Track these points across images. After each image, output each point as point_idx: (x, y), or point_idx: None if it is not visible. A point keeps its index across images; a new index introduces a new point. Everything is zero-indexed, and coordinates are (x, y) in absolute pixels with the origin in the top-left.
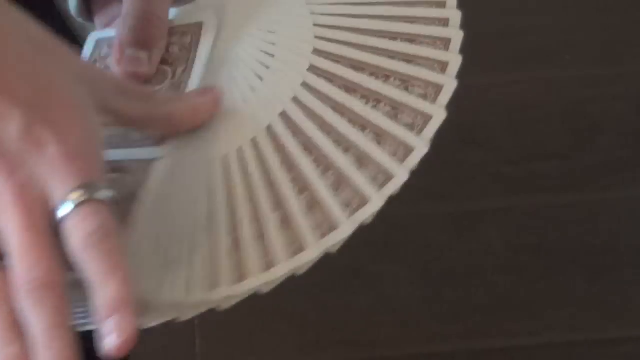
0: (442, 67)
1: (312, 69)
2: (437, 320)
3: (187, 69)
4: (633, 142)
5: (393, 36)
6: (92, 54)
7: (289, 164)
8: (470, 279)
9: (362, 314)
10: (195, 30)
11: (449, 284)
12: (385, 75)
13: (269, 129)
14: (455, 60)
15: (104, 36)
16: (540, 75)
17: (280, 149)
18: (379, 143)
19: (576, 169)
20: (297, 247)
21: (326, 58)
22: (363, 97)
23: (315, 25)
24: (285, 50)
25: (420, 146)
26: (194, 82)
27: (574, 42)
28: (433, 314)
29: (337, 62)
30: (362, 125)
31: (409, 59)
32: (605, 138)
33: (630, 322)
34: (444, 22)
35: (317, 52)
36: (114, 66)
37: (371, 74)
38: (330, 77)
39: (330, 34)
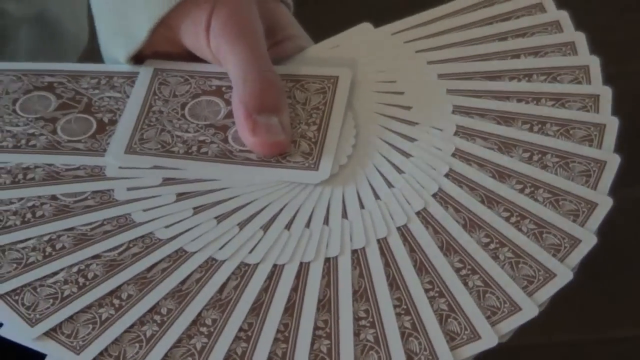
0: (600, 166)
1: (458, 151)
2: None
3: (322, 129)
4: (633, 142)
5: (537, 97)
6: (152, 82)
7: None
8: None
9: None
10: (329, 86)
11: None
12: (540, 152)
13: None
14: (612, 162)
15: (164, 67)
16: None
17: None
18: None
19: None
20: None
21: (470, 139)
22: (506, 210)
23: (449, 92)
24: (424, 149)
25: (588, 239)
26: (331, 144)
27: None
28: None
29: (485, 139)
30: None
31: (561, 123)
32: None
33: (630, 322)
34: (585, 70)
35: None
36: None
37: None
38: (479, 162)
39: (468, 102)
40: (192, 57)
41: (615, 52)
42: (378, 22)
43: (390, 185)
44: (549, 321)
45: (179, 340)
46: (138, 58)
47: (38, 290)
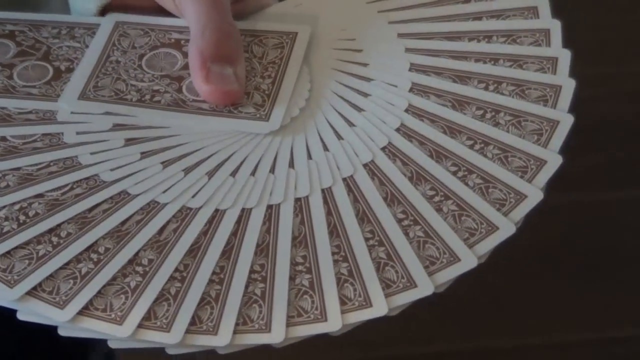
0: (552, 126)
1: (411, 107)
2: (437, 320)
3: (276, 83)
4: (633, 142)
5: (495, 57)
6: (112, 33)
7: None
8: (469, 279)
9: None
10: (287, 41)
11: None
12: (494, 110)
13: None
14: (566, 121)
15: (125, 19)
16: None
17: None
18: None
19: (575, 169)
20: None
21: (424, 95)
22: (454, 164)
23: (407, 50)
24: (377, 104)
25: (534, 195)
26: (284, 96)
27: (574, 42)
28: (433, 314)
29: (439, 96)
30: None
31: (517, 83)
32: (605, 138)
33: (630, 322)
34: (545, 34)
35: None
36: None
37: (478, 108)
38: (431, 118)
39: (426, 61)
40: (161, 11)
41: (616, 53)
42: None
43: (340, 137)
44: (549, 321)
45: (114, 278)
46: (106, 11)
47: None
